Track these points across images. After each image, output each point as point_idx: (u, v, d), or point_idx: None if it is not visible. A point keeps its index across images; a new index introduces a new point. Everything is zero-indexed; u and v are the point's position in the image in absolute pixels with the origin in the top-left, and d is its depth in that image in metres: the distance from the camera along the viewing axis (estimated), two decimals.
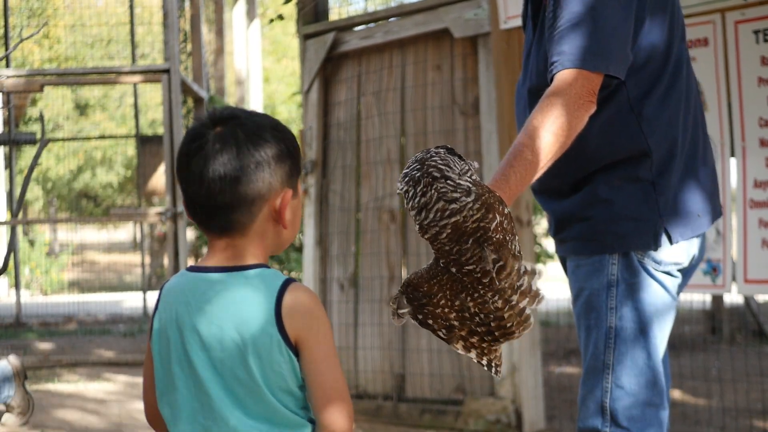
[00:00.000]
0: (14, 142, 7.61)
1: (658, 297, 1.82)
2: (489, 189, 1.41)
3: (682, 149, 1.84)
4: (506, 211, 1.41)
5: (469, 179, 1.38)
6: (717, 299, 6.25)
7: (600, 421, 1.80)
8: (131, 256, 16.62)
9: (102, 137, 14.14)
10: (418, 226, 1.39)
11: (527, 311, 1.45)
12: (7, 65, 7.32)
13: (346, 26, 4.50)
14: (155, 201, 13.70)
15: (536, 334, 3.96)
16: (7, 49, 7.25)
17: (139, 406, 4.55)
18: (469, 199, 1.35)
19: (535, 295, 1.45)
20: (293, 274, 6.84)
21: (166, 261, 7.28)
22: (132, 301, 10.34)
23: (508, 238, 1.40)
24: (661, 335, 1.84)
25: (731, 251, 3.31)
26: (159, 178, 12.18)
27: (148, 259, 11.23)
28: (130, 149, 13.04)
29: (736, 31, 3.22)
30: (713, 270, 3.31)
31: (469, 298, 1.43)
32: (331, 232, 4.53)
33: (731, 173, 3.30)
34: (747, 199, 3.21)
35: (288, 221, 1.39)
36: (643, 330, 1.80)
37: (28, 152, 10.43)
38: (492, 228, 1.37)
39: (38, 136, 7.79)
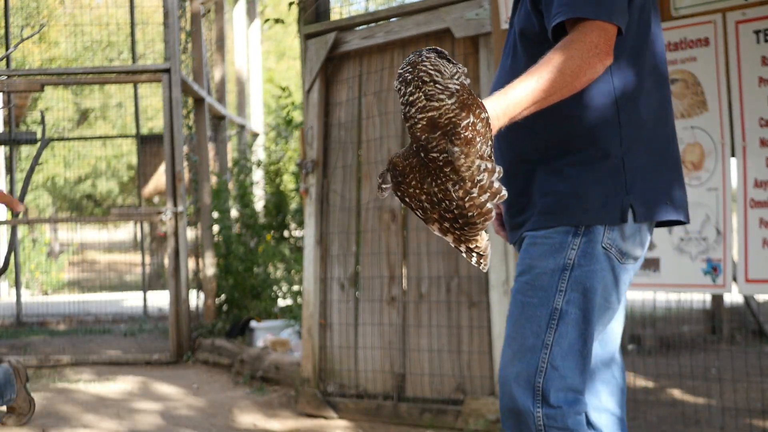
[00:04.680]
0: (15, 141, 7.61)
1: (609, 290, 1.83)
2: (471, 92, 1.57)
3: (657, 135, 1.86)
4: (483, 116, 1.56)
5: (456, 82, 1.55)
6: (717, 299, 6.25)
7: (531, 401, 1.79)
8: (132, 255, 16.63)
9: (103, 137, 14.16)
10: (402, 115, 1.57)
11: (488, 205, 1.56)
12: (8, 65, 7.32)
13: (347, 26, 4.50)
14: (156, 201, 13.70)
15: None
16: (7, 49, 7.25)
17: (140, 405, 4.56)
18: (450, 101, 1.53)
19: (496, 192, 1.56)
20: (294, 274, 6.84)
21: (166, 261, 7.28)
22: (132, 301, 10.35)
23: (478, 139, 1.53)
24: (600, 327, 1.85)
25: (732, 251, 3.31)
26: (159, 178, 12.19)
27: (148, 259, 11.24)
28: (132, 157, 13.08)
29: (737, 31, 3.23)
30: (713, 270, 3.32)
31: (434, 183, 1.56)
32: (331, 232, 4.54)
33: (732, 173, 3.31)
34: (747, 199, 3.21)
35: None
36: (586, 317, 1.80)
37: (32, 155, 10.44)
38: (462, 125, 1.52)
39: (39, 136, 7.79)
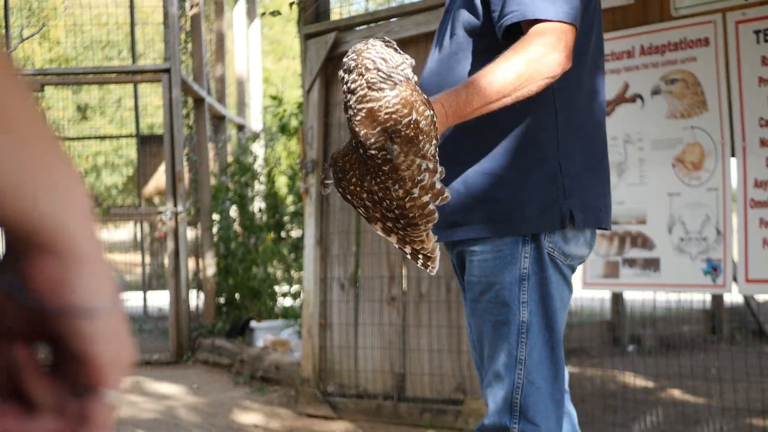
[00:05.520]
0: None
1: (563, 292, 1.81)
2: (416, 88, 1.48)
3: (591, 140, 1.82)
4: (428, 113, 1.47)
5: (401, 73, 1.47)
6: (717, 299, 6.25)
7: (508, 417, 1.77)
8: (131, 255, 16.63)
9: (104, 137, 14.16)
10: (343, 105, 1.49)
11: (431, 206, 1.51)
12: None
13: (347, 26, 4.50)
14: (155, 201, 13.71)
15: None
16: (7, 49, 7.25)
17: (140, 405, 4.56)
18: (392, 93, 1.44)
19: (439, 193, 1.50)
20: (293, 273, 6.84)
21: (166, 261, 7.28)
22: (132, 301, 10.35)
23: (421, 137, 1.46)
24: (561, 330, 1.84)
25: (732, 251, 3.31)
26: (159, 178, 12.19)
27: (148, 259, 11.23)
28: (132, 152, 13.08)
29: (737, 31, 3.23)
30: (714, 270, 3.32)
31: (373, 182, 1.50)
32: (331, 232, 4.54)
33: (732, 173, 3.31)
34: (747, 199, 3.21)
35: None
36: (549, 324, 1.78)
37: None
38: (404, 123, 1.44)
39: None
